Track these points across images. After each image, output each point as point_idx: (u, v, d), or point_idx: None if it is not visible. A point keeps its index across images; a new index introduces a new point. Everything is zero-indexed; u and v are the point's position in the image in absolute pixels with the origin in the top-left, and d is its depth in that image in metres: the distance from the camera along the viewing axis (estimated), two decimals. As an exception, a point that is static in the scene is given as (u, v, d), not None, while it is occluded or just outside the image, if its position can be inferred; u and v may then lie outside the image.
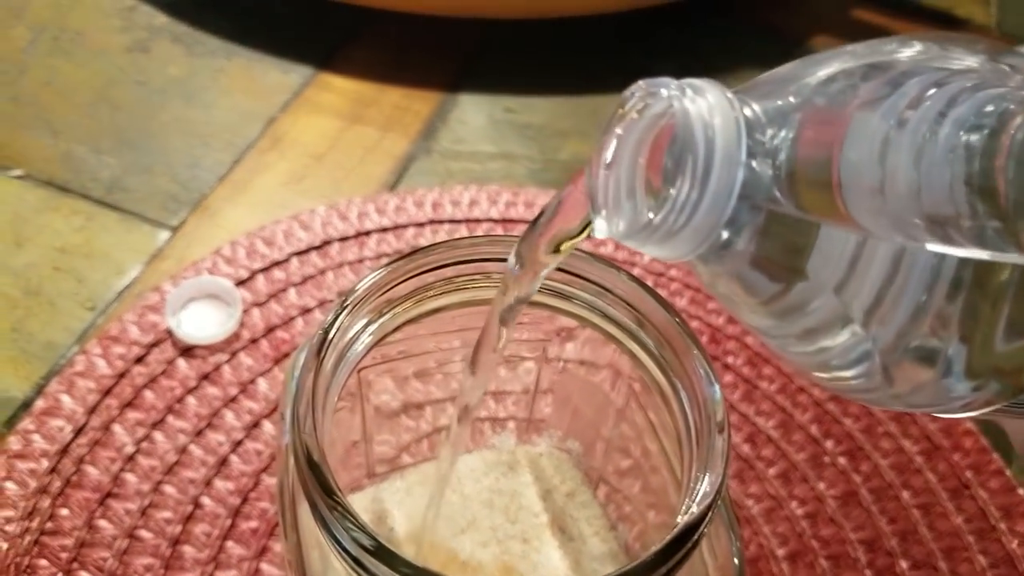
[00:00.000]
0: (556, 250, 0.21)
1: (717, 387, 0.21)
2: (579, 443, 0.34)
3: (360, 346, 0.25)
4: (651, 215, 0.17)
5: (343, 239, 0.43)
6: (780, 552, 0.36)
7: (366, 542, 0.21)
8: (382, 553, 0.21)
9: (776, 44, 0.53)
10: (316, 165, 0.46)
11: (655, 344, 0.24)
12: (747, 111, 0.16)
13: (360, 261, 0.42)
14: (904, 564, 0.36)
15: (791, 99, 0.16)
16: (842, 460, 0.38)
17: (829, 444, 0.39)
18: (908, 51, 0.16)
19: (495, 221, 0.44)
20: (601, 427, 0.32)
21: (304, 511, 0.24)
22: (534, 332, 0.31)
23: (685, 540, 0.20)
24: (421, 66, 0.51)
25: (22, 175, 0.44)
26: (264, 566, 0.33)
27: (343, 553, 0.21)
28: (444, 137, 0.48)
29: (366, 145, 0.47)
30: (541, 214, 0.21)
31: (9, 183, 0.44)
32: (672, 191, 0.16)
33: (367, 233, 0.43)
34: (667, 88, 0.17)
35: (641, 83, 0.18)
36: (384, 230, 0.43)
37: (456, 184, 0.45)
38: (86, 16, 0.52)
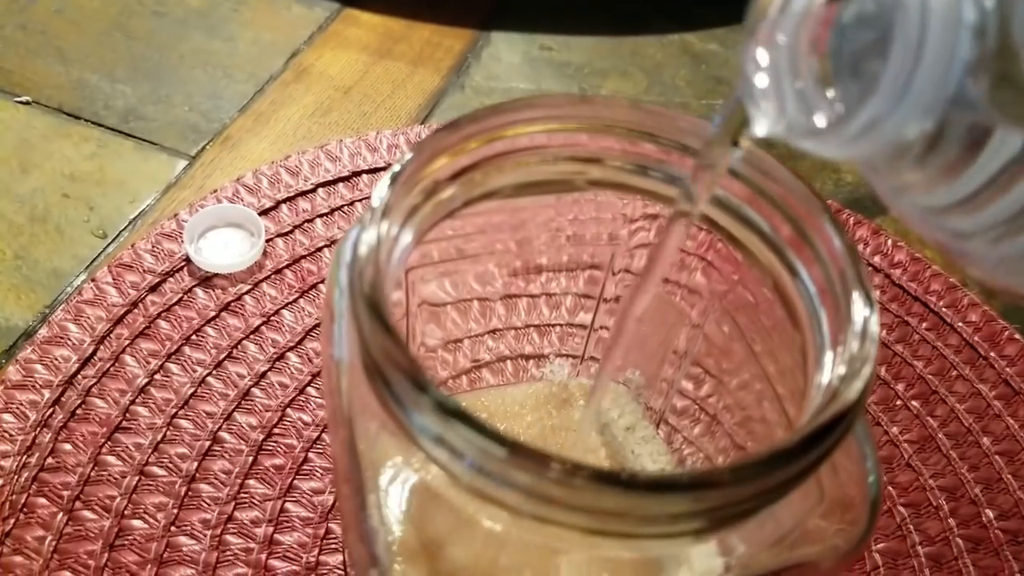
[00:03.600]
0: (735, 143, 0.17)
1: (875, 312, 0.16)
2: (640, 373, 0.30)
3: (413, 232, 0.20)
4: (833, 110, 0.13)
5: (372, 171, 0.38)
6: (853, 501, 0.31)
7: (451, 403, 0.15)
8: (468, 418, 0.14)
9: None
10: (343, 98, 0.41)
11: (767, 223, 0.20)
12: None
13: (392, 192, 0.38)
14: (991, 513, 0.31)
15: None
16: (915, 404, 0.34)
17: (900, 387, 0.34)
18: None
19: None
20: (670, 352, 0.28)
21: (364, 432, 0.18)
22: (601, 227, 0.26)
23: (833, 428, 0.15)
24: (453, 3, 0.47)
25: (29, 101, 0.39)
26: (290, 505, 0.29)
27: (425, 431, 0.15)
28: (477, 73, 0.43)
29: (395, 80, 0.42)
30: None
31: (15, 109, 0.39)
32: (875, 68, 0.12)
33: (399, 165, 0.39)
34: None
35: None
36: (417, 161, 0.39)
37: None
38: (101, -49, 0.47)
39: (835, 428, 0.14)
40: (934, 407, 0.34)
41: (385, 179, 0.18)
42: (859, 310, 0.15)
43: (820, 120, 0.14)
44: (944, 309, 0.36)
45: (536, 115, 0.20)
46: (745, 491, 0.14)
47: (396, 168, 0.18)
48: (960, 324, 0.36)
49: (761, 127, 0.16)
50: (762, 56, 0.15)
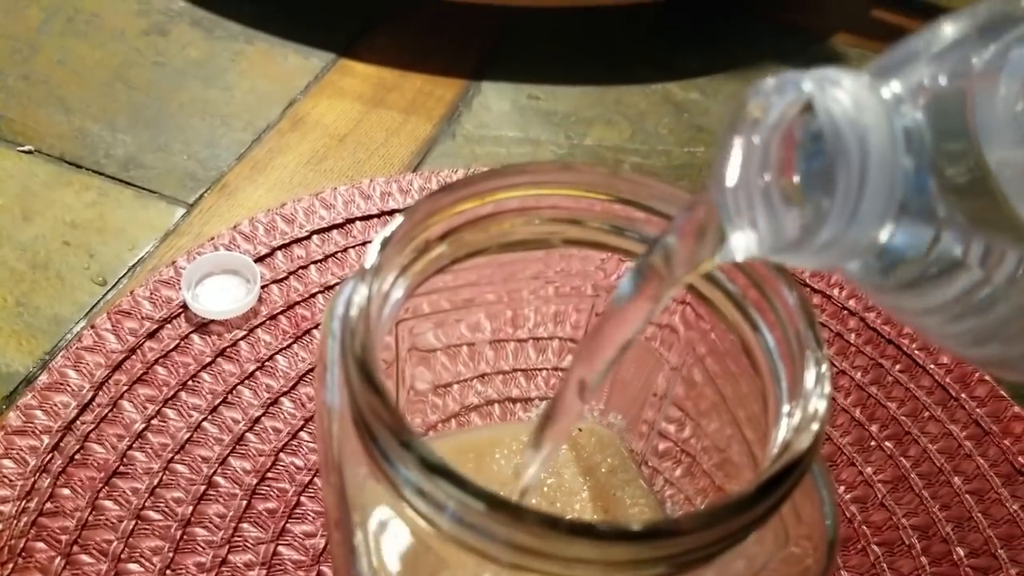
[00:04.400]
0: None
1: (825, 375, 0.17)
2: (622, 416, 0.31)
3: (404, 287, 0.22)
4: (797, 230, 0.15)
5: (366, 218, 0.40)
6: (830, 540, 0.32)
7: (433, 459, 0.16)
8: (449, 473, 0.16)
9: (796, 41, 0.51)
10: (338, 146, 0.43)
11: (726, 276, 0.21)
12: (886, 93, 0.14)
13: (383, 239, 0.39)
14: (961, 551, 0.32)
15: (918, 74, 0.14)
16: (889, 444, 0.35)
17: (874, 428, 0.36)
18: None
19: (522, 201, 0.41)
20: (650, 394, 0.29)
21: (353, 476, 0.20)
22: (586, 280, 0.28)
23: (784, 478, 0.17)
24: (444, 54, 0.49)
25: (31, 150, 0.41)
26: (283, 548, 0.30)
27: (409, 483, 0.16)
28: (468, 122, 0.45)
29: (389, 128, 0.44)
30: (664, 234, 0.18)
31: (18, 158, 0.41)
32: (824, 202, 0.14)
33: (391, 213, 0.40)
34: (803, 84, 0.14)
35: (769, 80, 0.15)
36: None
37: (481, 167, 0.43)
38: None
39: (786, 478, 0.16)
40: (907, 447, 0.35)
41: (376, 242, 0.20)
42: (810, 374, 0.17)
43: (788, 236, 0.15)
44: (917, 352, 0.38)
45: (521, 180, 0.22)
46: (703, 538, 0.15)
47: (387, 232, 0.20)
48: (932, 366, 0.37)
49: (739, 249, 0.16)
50: (736, 171, 0.16)
